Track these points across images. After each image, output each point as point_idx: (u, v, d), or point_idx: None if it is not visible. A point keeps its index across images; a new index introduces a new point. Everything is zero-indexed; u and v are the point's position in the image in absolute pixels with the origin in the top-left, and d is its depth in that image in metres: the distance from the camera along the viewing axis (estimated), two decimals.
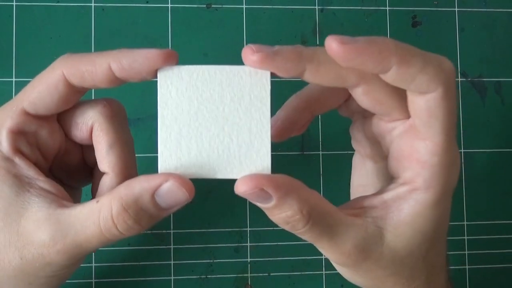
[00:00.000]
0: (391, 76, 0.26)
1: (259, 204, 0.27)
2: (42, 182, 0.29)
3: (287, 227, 0.27)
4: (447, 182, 0.27)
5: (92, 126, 0.31)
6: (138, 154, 0.52)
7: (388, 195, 0.27)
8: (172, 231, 0.51)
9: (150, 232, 0.51)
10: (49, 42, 0.51)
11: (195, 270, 0.51)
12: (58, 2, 0.51)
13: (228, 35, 0.53)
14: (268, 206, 0.26)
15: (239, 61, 0.55)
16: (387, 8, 0.55)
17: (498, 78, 0.55)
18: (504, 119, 0.55)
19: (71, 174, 0.35)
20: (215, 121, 0.26)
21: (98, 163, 0.32)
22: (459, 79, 0.55)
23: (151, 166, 0.51)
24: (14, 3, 0.51)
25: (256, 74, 0.26)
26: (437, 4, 0.55)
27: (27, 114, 0.29)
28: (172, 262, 0.51)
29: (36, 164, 0.30)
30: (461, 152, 0.54)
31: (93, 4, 0.52)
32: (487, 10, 0.56)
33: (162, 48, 0.30)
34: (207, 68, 0.27)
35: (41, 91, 0.29)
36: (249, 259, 0.51)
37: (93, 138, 0.31)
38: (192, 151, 0.26)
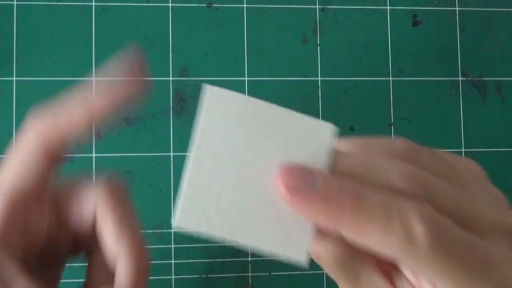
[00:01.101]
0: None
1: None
2: (22, 285, 0.23)
3: (313, 258, 0.23)
4: None
5: (95, 211, 0.26)
6: (139, 154, 0.52)
7: (426, 287, 0.22)
8: (172, 231, 0.51)
9: (151, 231, 0.51)
10: (50, 42, 0.51)
11: (196, 269, 0.51)
12: (58, 1, 0.51)
13: (229, 35, 0.53)
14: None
15: (239, 61, 0.55)
16: (388, 7, 0.55)
17: (498, 78, 0.55)
18: (504, 118, 0.55)
19: (52, 265, 0.29)
20: (259, 175, 0.20)
21: (105, 250, 0.27)
22: (460, 79, 0.55)
23: (151, 166, 0.51)
24: (15, 3, 0.51)
25: (318, 127, 0.21)
26: (437, 3, 0.55)
27: (12, 205, 0.24)
28: (173, 261, 0.51)
29: (22, 257, 0.24)
30: (461, 151, 0.54)
31: (93, 4, 0.52)
32: (488, 9, 0.56)
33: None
34: (261, 105, 0.21)
35: (21, 173, 0.24)
36: (249, 259, 0.51)
37: (97, 226, 0.26)
38: (221, 202, 0.20)
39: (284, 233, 0.20)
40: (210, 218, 0.20)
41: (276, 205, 0.20)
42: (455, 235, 0.19)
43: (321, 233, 0.21)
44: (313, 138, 0.21)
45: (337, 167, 0.20)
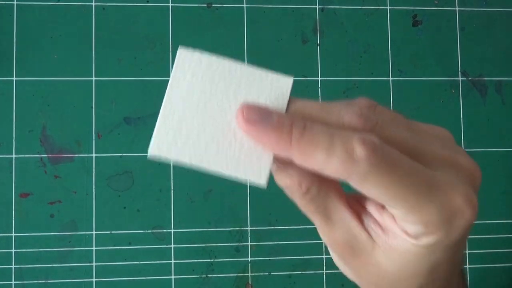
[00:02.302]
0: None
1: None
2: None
3: (285, 190, 0.26)
4: (444, 236, 0.24)
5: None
6: (139, 154, 0.52)
7: (387, 221, 0.26)
8: (172, 231, 0.51)
9: (151, 231, 0.51)
10: (50, 42, 0.51)
11: (195, 269, 0.51)
12: (58, 1, 0.51)
13: (229, 34, 0.53)
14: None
15: (239, 61, 0.55)
16: (388, 7, 0.55)
17: (498, 78, 0.55)
18: (504, 118, 0.55)
19: None
20: (223, 116, 0.24)
21: None
22: (460, 79, 0.55)
23: (151, 166, 0.51)
24: (15, 3, 0.51)
25: (278, 81, 0.25)
26: (437, 3, 0.55)
27: None
28: (172, 261, 0.51)
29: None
30: None
31: (93, 4, 0.52)
32: (488, 9, 0.56)
33: None
34: (228, 63, 0.25)
35: None
36: (249, 259, 0.51)
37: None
38: (191, 136, 0.24)
39: (246, 160, 0.24)
40: (179, 148, 0.24)
41: (238, 137, 0.24)
42: (397, 157, 0.22)
43: (284, 162, 0.24)
44: (273, 89, 0.25)
45: (293, 110, 0.24)
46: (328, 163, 0.22)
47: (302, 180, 0.24)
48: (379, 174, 0.22)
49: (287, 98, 0.25)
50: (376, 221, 0.26)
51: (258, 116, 0.23)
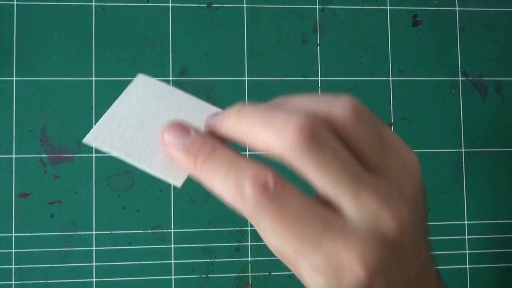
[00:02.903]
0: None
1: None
2: None
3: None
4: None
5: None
6: None
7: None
8: (172, 230, 0.51)
9: (151, 231, 0.51)
10: (50, 42, 0.51)
11: (195, 269, 0.51)
12: (58, 1, 0.51)
13: (229, 34, 0.53)
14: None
15: (239, 61, 0.55)
16: (388, 7, 0.55)
17: (498, 78, 0.55)
18: (504, 118, 0.55)
19: None
20: (160, 124, 0.27)
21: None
22: (460, 79, 0.55)
23: None
24: (15, 3, 0.51)
25: (208, 108, 0.28)
26: (437, 3, 0.55)
27: None
28: (172, 261, 0.51)
29: None
30: (461, 151, 0.54)
31: (93, 4, 0.52)
32: (488, 9, 0.56)
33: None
34: (177, 91, 0.29)
35: None
36: (249, 259, 0.51)
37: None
38: (126, 134, 0.28)
39: (168, 164, 0.27)
40: (113, 142, 0.28)
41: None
42: (289, 201, 0.22)
43: None
44: (205, 115, 0.28)
45: (237, 120, 0.25)
46: (222, 193, 0.23)
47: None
48: (265, 216, 0.22)
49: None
50: None
51: (173, 137, 0.25)
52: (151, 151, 0.27)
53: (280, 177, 0.22)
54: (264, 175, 0.22)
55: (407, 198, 0.24)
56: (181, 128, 0.26)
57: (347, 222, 0.22)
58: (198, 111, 0.28)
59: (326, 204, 0.23)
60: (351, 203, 0.22)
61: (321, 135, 0.22)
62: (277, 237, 0.22)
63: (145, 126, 0.28)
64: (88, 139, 0.28)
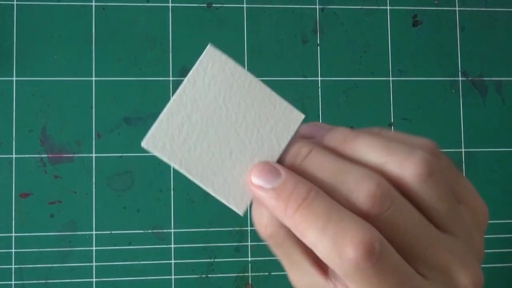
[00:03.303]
0: None
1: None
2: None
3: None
4: None
5: None
6: (139, 154, 0.52)
7: None
8: (172, 230, 0.51)
9: (151, 231, 0.51)
10: (50, 42, 0.51)
11: (195, 269, 0.51)
12: (58, 1, 0.51)
13: (229, 34, 0.53)
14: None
15: (239, 61, 0.55)
16: (388, 7, 0.55)
17: (498, 78, 0.55)
18: (504, 118, 0.55)
19: None
20: (227, 129, 0.24)
21: None
22: (460, 79, 0.55)
23: (151, 166, 0.51)
24: (15, 3, 0.51)
25: (291, 113, 0.25)
26: (437, 3, 0.55)
27: None
28: (172, 261, 0.51)
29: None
30: (461, 151, 0.54)
31: (93, 4, 0.52)
32: (488, 9, 0.56)
33: None
34: (250, 77, 0.25)
35: None
36: (249, 258, 0.51)
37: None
38: (188, 140, 0.24)
39: (232, 186, 0.24)
40: (174, 150, 0.24)
41: (233, 157, 0.24)
42: (391, 266, 0.21)
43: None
44: (283, 118, 0.25)
45: (309, 164, 0.23)
46: (316, 247, 0.21)
47: (269, 224, 0.24)
48: (364, 279, 0.21)
49: (292, 133, 0.25)
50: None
51: (261, 180, 0.23)
52: (215, 166, 0.24)
53: (384, 241, 0.21)
54: (369, 238, 0.20)
55: (479, 253, 0.24)
56: (271, 170, 0.23)
57: (436, 286, 0.22)
58: (272, 110, 0.25)
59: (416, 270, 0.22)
60: (434, 269, 0.22)
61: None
62: None
63: (211, 129, 0.24)
64: (146, 144, 0.24)
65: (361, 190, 0.21)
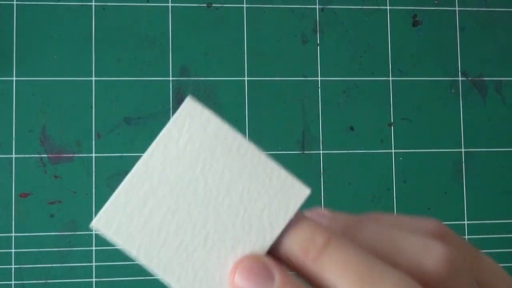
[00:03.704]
0: None
1: None
2: None
3: None
4: None
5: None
6: (139, 154, 0.52)
7: None
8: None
9: None
10: (50, 42, 0.51)
11: None
12: (58, 1, 0.51)
13: (229, 34, 0.53)
14: None
15: (239, 61, 0.55)
16: (388, 7, 0.55)
17: (498, 78, 0.55)
18: (504, 118, 0.55)
19: None
20: (204, 207, 0.19)
21: None
22: (460, 79, 0.55)
23: None
24: (15, 2, 0.51)
25: (291, 188, 0.19)
26: (437, 3, 0.55)
27: None
28: None
29: None
30: (461, 151, 0.54)
31: (93, 3, 0.52)
32: (488, 9, 0.56)
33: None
34: (239, 140, 0.19)
35: None
36: None
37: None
38: (150, 222, 0.19)
39: (204, 283, 0.19)
40: (131, 233, 0.19)
41: (208, 251, 0.19)
42: None
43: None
44: (280, 194, 0.19)
45: (327, 261, 0.18)
46: None
47: None
48: None
49: (292, 214, 0.19)
50: None
51: (251, 285, 0.18)
52: (183, 255, 0.19)
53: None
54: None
55: None
56: (262, 270, 0.18)
57: None
58: (268, 182, 0.19)
59: None
60: None
61: None
62: None
63: (183, 207, 0.19)
64: (96, 224, 0.19)
65: None
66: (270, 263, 0.18)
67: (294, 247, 0.18)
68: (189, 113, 0.19)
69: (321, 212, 0.20)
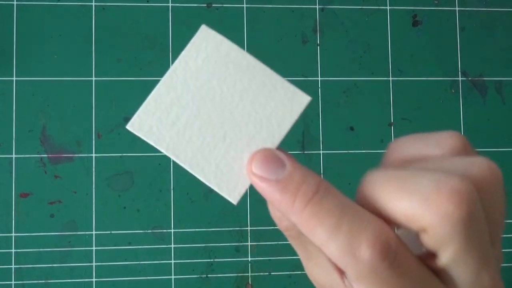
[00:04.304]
0: None
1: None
2: None
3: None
4: None
5: None
6: (139, 154, 0.52)
7: None
8: (172, 230, 0.51)
9: (151, 231, 0.51)
10: (50, 42, 0.51)
11: (195, 269, 0.51)
12: (58, 1, 0.51)
13: (229, 35, 0.53)
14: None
15: None
16: (388, 7, 0.55)
17: (498, 78, 0.55)
18: (504, 118, 0.55)
19: None
20: (221, 111, 0.22)
21: None
22: (460, 79, 0.55)
23: (151, 166, 0.51)
24: (15, 3, 0.51)
25: (294, 95, 0.22)
26: (437, 3, 0.55)
27: None
28: (172, 261, 0.51)
29: None
30: None
31: (93, 4, 0.52)
32: (488, 9, 0.56)
33: None
34: (248, 57, 0.23)
35: None
36: (249, 258, 0.51)
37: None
38: (177, 123, 0.22)
39: (225, 172, 0.22)
40: (162, 133, 0.22)
41: (227, 142, 0.22)
42: (407, 268, 0.19)
43: None
44: (284, 102, 0.22)
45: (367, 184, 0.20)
46: (326, 245, 0.19)
47: (284, 217, 0.22)
48: (377, 281, 0.19)
49: (296, 116, 0.22)
50: None
51: (266, 171, 0.21)
52: (206, 150, 0.22)
53: (400, 240, 0.19)
54: (386, 237, 0.19)
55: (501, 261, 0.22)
56: (275, 159, 0.21)
57: None
58: (273, 91, 0.22)
59: (434, 271, 0.20)
60: (469, 281, 0.20)
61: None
62: None
63: (203, 111, 0.22)
64: (131, 127, 0.23)
65: (443, 190, 0.18)
66: (281, 153, 0.21)
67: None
68: (204, 37, 0.23)
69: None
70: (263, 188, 0.20)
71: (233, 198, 0.22)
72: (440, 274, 0.20)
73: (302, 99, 0.22)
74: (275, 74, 0.22)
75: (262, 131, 0.22)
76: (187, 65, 0.23)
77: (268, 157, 0.21)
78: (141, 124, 0.23)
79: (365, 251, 0.18)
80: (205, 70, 0.23)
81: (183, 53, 0.23)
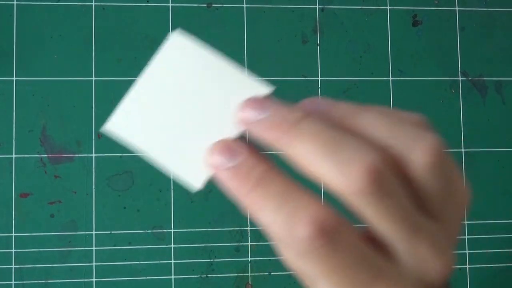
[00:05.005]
0: None
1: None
2: None
3: None
4: None
5: None
6: (139, 154, 0.52)
7: None
8: (172, 230, 0.51)
9: (151, 231, 0.51)
10: (50, 42, 0.51)
11: (195, 269, 0.51)
12: (58, 1, 0.51)
13: (229, 34, 0.53)
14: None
15: (239, 61, 0.55)
16: (388, 7, 0.55)
17: (498, 78, 0.55)
18: (504, 118, 0.55)
19: None
20: (190, 108, 0.24)
21: None
22: (460, 79, 0.55)
23: (151, 166, 0.51)
24: (15, 3, 0.51)
25: (257, 88, 0.24)
26: (437, 3, 0.55)
27: None
28: (172, 261, 0.51)
29: None
30: (461, 151, 0.54)
31: (93, 4, 0.52)
32: (488, 9, 0.56)
33: None
34: (215, 59, 0.25)
35: None
36: (249, 258, 0.51)
37: None
38: (149, 123, 0.25)
39: (190, 164, 0.24)
40: (137, 132, 0.25)
41: (194, 139, 0.24)
42: (346, 248, 0.20)
43: None
44: (247, 95, 0.24)
45: (300, 129, 0.22)
46: (269, 227, 0.21)
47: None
48: (315, 259, 0.20)
49: None
50: None
51: (221, 160, 0.23)
52: (175, 144, 0.24)
53: (339, 218, 0.20)
54: (323, 216, 0.20)
55: (455, 242, 0.23)
56: (230, 148, 0.23)
57: (399, 269, 0.21)
58: (240, 87, 0.24)
59: (377, 246, 0.21)
60: (407, 252, 0.21)
61: (389, 180, 0.20)
62: (325, 282, 0.21)
63: (174, 109, 0.24)
64: (107, 127, 0.25)
65: (358, 164, 0.20)
66: (237, 143, 0.23)
67: (277, 116, 0.22)
68: (174, 43, 0.25)
69: (319, 101, 0.24)
70: (218, 175, 0.23)
71: (196, 185, 0.24)
72: (385, 249, 0.21)
73: (263, 91, 0.24)
74: (240, 71, 0.25)
75: (226, 124, 0.24)
76: (160, 69, 0.25)
77: (224, 147, 0.23)
78: (119, 125, 0.25)
79: (302, 230, 0.20)
80: (177, 72, 0.25)
81: (157, 57, 0.25)
